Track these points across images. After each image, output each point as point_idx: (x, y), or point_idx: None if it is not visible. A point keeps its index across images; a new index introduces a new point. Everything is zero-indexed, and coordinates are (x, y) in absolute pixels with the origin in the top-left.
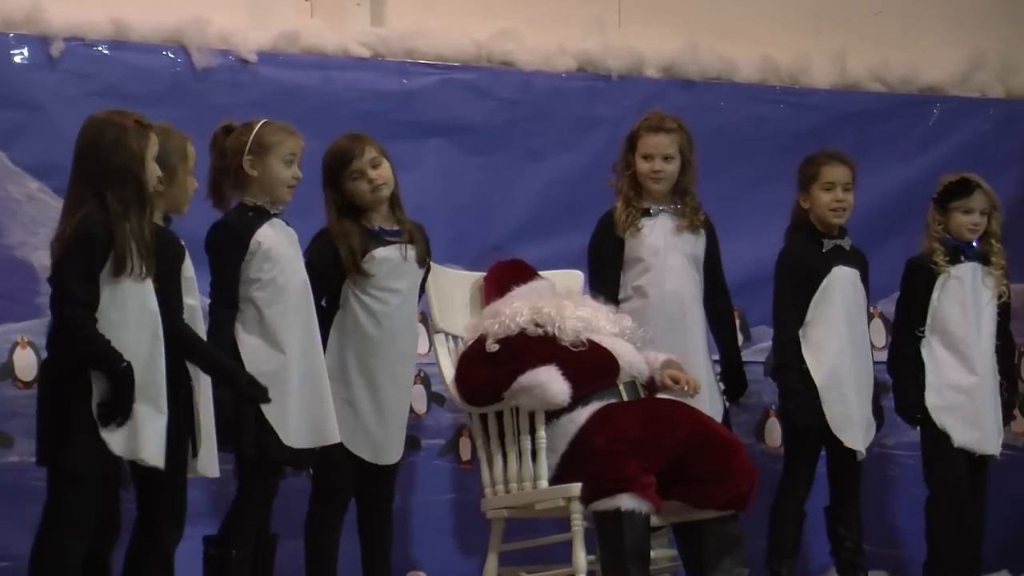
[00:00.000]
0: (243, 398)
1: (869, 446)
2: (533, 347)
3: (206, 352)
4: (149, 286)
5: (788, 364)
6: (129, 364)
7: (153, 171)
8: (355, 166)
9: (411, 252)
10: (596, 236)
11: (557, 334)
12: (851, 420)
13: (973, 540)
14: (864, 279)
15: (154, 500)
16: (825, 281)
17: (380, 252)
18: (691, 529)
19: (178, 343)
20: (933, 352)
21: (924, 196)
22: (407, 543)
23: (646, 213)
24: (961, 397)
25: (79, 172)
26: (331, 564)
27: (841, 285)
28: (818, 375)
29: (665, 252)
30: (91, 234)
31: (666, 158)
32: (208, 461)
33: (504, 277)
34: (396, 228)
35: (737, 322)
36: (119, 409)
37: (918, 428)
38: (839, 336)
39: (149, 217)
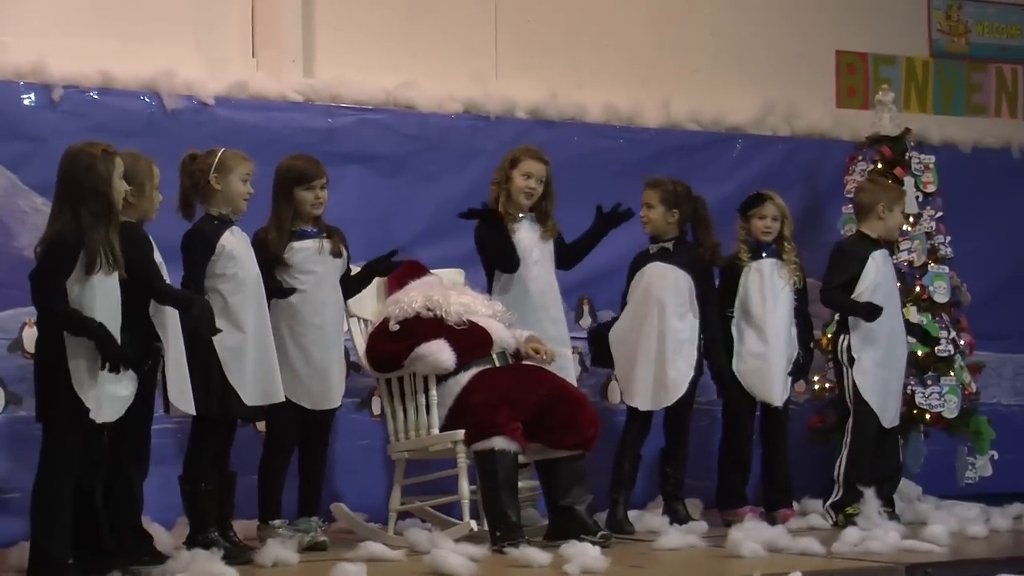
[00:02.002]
0: (199, 325)
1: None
2: (426, 326)
3: (174, 293)
4: (114, 279)
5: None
6: (101, 324)
7: (120, 188)
8: (313, 183)
9: (326, 245)
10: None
11: (444, 316)
12: (654, 383)
13: (748, 473)
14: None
15: (121, 445)
16: (639, 274)
17: (298, 244)
18: (548, 465)
19: (155, 296)
20: (739, 328)
21: (730, 211)
22: (330, 480)
23: (515, 219)
24: (758, 361)
25: (59, 191)
26: (279, 496)
27: (655, 276)
28: (625, 347)
29: (530, 251)
30: (62, 241)
31: (539, 181)
32: (185, 401)
33: (403, 274)
34: (314, 229)
35: (586, 307)
36: (113, 358)
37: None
38: (649, 317)
39: (115, 226)
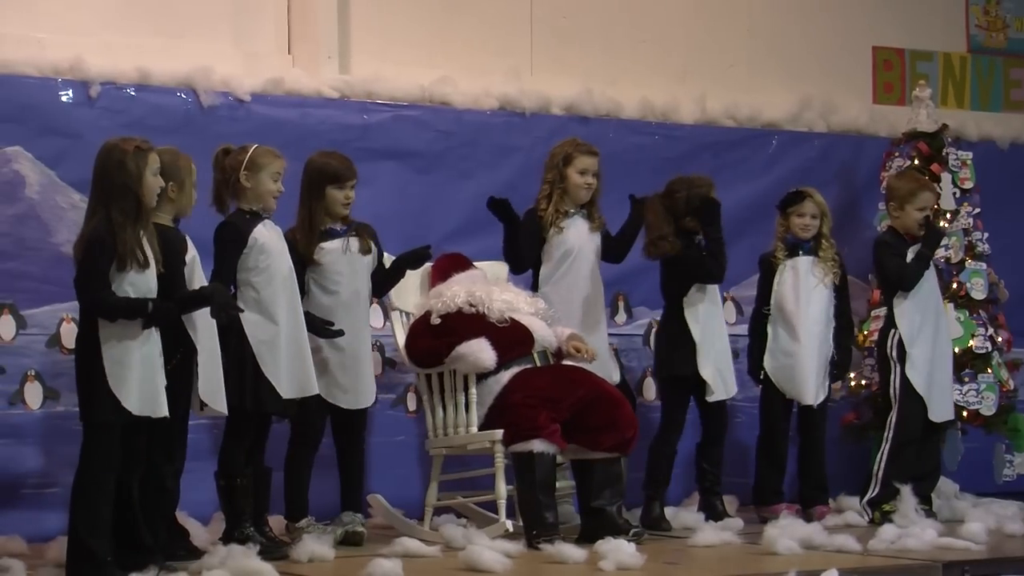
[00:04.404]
0: (220, 310)
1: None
2: (467, 322)
3: (188, 297)
4: (150, 275)
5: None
6: (152, 301)
7: (152, 184)
8: (345, 184)
9: (353, 244)
10: (524, 222)
11: (486, 312)
12: (720, 374)
13: (784, 471)
14: None
15: (152, 440)
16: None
17: (327, 245)
18: (584, 465)
19: (176, 304)
20: (774, 325)
21: (766, 207)
22: (368, 475)
23: (566, 215)
24: (789, 360)
25: (94, 188)
26: (305, 493)
27: None
28: (697, 337)
29: (580, 247)
30: (100, 239)
31: (594, 175)
32: (217, 400)
33: (447, 266)
34: (342, 227)
35: (621, 304)
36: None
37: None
38: (711, 306)
39: (145, 223)
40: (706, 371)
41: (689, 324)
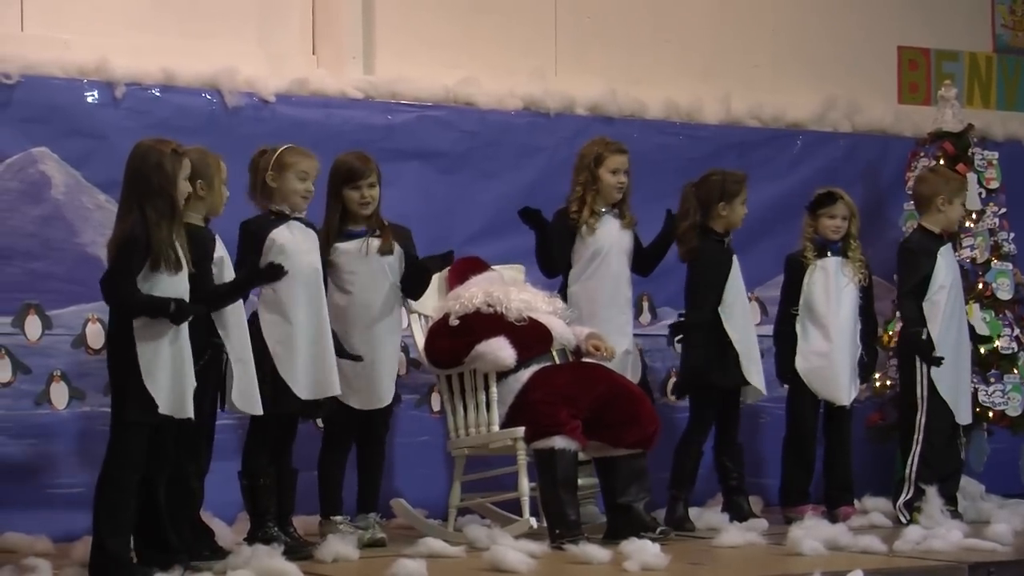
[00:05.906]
0: (265, 280)
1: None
2: (486, 322)
3: (222, 291)
4: (181, 278)
5: (699, 324)
6: (175, 301)
7: (184, 188)
8: (359, 183)
9: (373, 244)
10: (554, 224)
11: (505, 312)
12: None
13: (812, 472)
14: None
15: (177, 439)
16: (733, 268)
17: (343, 246)
18: (608, 463)
19: (211, 307)
20: (803, 326)
21: (790, 207)
22: (390, 476)
23: (599, 215)
24: (822, 360)
25: (128, 188)
26: (338, 492)
27: (737, 270)
28: (736, 340)
29: (610, 247)
30: (134, 239)
31: (626, 173)
32: (247, 402)
33: (464, 269)
34: (363, 228)
35: (645, 304)
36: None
37: (786, 386)
38: (744, 310)
39: (178, 225)
40: (753, 377)
41: (728, 331)
